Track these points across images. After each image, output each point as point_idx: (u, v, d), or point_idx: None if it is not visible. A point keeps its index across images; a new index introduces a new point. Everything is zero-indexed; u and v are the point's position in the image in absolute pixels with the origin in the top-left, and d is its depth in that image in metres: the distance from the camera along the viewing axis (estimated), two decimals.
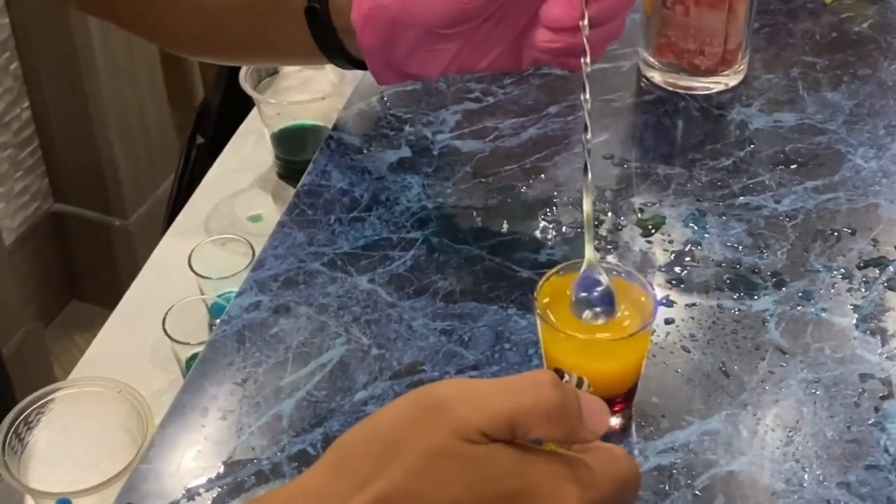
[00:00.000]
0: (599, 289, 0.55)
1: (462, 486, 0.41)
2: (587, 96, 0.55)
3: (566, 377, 0.46)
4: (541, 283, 0.56)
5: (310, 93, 1.02)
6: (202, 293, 0.91)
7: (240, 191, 1.06)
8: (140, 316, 0.93)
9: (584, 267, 0.55)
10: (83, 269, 1.73)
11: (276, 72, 1.08)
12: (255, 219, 1.02)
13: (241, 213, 1.03)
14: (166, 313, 0.90)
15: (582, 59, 0.56)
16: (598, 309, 0.55)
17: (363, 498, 0.40)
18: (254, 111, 1.09)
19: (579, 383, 0.46)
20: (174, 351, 0.88)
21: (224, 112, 1.32)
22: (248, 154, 1.09)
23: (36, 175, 1.65)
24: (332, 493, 0.41)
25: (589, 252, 0.55)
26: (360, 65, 0.65)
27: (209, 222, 1.04)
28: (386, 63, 0.62)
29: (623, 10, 0.60)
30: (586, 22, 0.57)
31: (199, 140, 1.41)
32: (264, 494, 0.44)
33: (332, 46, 0.65)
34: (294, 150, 1.02)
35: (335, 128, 0.78)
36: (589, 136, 0.55)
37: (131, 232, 1.68)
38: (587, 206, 0.55)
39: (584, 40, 0.56)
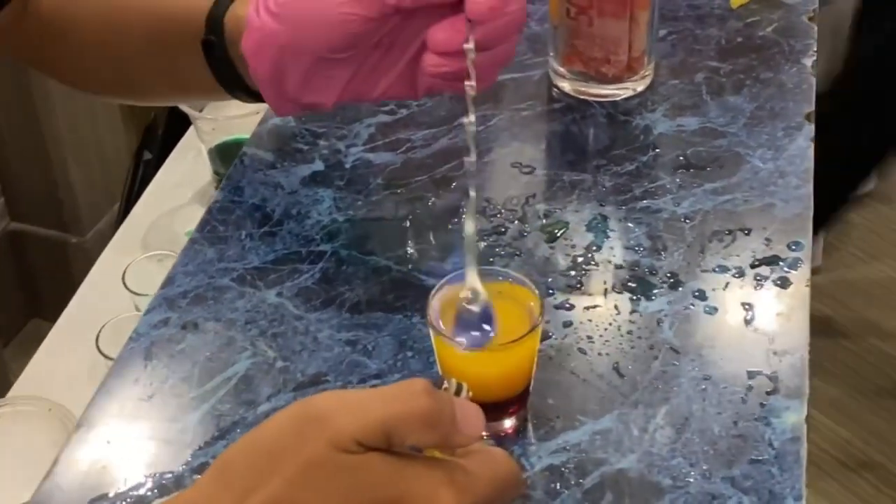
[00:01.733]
0: (478, 313, 0.56)
1: (340, 495, 0.42)
2: (472, 118, 0.55)
3: (446, 384, 0.47)
4: (433, 291, 0.58)
5: (248, 108, 1.03)
6: (138, 310, 0.92)
7: (178, 206, 1.07)
8: (78, 333, 0.94)
9: (462, 295, 0.56)
10: (42, 286, 1.74)
11: None
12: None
13: (179, 228, 1.04)
14: (100, 330, 0.91)
15: (465, 83, 0.56)
16: (476, 332, 0.56)
17: None
18: (192, 127, 1.10)
19: (458, 389, 0.48)
20: (108, 368, 0.89)
21: (170, 128, 1.33)
22: (187, 170, 1.10)
23: None
24: None
25: (471, 277, 0.56)
26: (260, 97, 0.66)
27: (147, 238, 1.05)
28: (280, 93, 0.63)
29: (513, 34, 0.60)
30: (472, 45, 0.57)
31: (147, 156, 1.43)
32: None
33: (231, 79, 0.67)
34: (230, 164, 1.03)
35: (249, 143, 0.80)
36: (473, 158, 0.55)
37: (88, 249, 1.69)
38: (469, 228, 0.55)
39: (470, 64, 0.57)
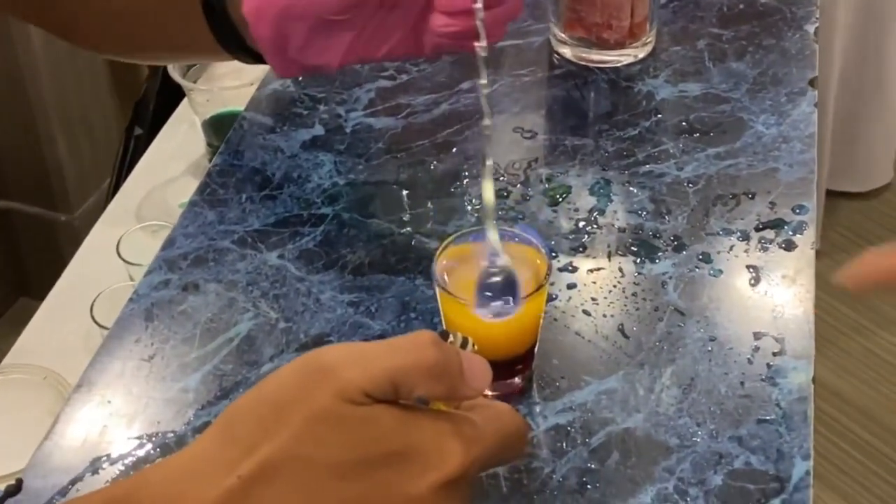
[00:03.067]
0: (501, 279, 0.55)
1: (347, 447, 0.41)
2: (484, 81, 0.55)
3: (451, 338, 0.47)
4: (440, 249, 0.58)
5: (242, 79, 1.02)
6: (132, 280, 0.92)
7: (172, 178, 1.06)
8: (71, 304, 0.93)
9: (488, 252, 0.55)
10: (30, 265, 1.73)
11: None
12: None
13: (172, 200, 1.03)
14: (94, 300, 0.90)
15: (476, 44, 0.55)
16: (500, 303, 0.55)
17: (250, 463, 0.41)
18: (186, 99, 1.09)
19: (464, 343, 0.47)
20: (102, 337, 0.88)
21: (161, 102, 1.32)
22: (180, 142, 1.09)
23: None
24: (220, 459, 0.42)
25: (493, 236, 0.55)
26: (262, 59, 0.65)
27: (141, 210, 1.04)
28: (283, 55, 0.62)
29: None
30: (480, 4, 0.55)
31: (138, 131, 1.41)
32: (153, 465, 0.44)
33: (232, 41, 0.65)
34: (225, 136, 1.03)
35: (248, 108, 0.79)
36: (488, 122, 0.54)
37: (77, 227, 1.67)
38: (488, 194, 0.54)
39: (479, 24, 0.55)
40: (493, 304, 0.55)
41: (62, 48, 1.57)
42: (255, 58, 0.67)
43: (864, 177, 1.85)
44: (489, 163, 0.54)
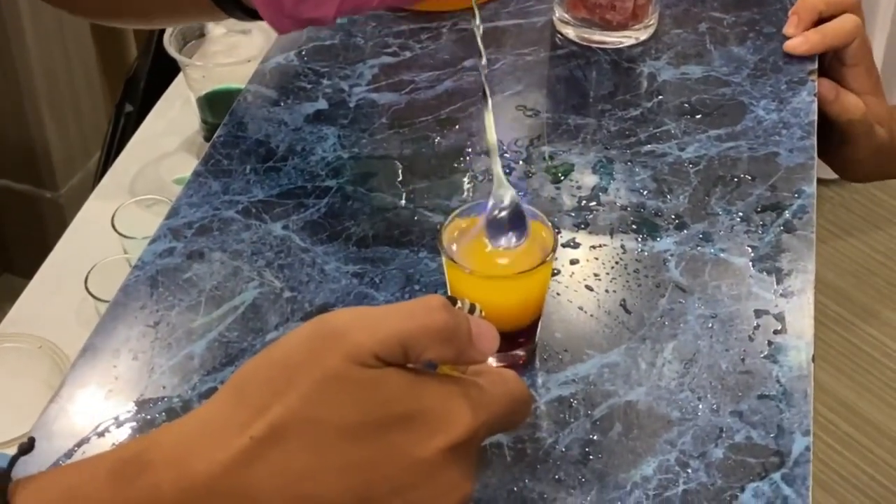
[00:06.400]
0: (508, 211, 0.57)
1: (356, 409, 0.42)
2: (478, 22, 0.57)
3: (459, 304, 0.47)
4: (447, 220, 0.58)
5: (236, 57, 1.02)
6: (126, 253, 0.91)
7: (165, 154, 1.06)
8: (64, 276, 0.93)
9: (493, 188, 0.57)
10: (14, 241, 1.72)
11: (201, 35, 1.09)
12: (181, 181, 1.02)
13: (166, 175, 1.03)
14: (89, 272, 0.90)
15: None
16: (509, 234, 0.57)
17: (260, 424, 0.41)
18: (180, 75, 1.09)
19: (471, 309, 0.48)
20: (97, 309, 0.88)
21: (152, 79, 1.31)
22: (174, 117, 1.09)
23: None
24: (230, 420, 0.42)
25: (497, 170, 0.57)
26: (256, 15, 0.65)
27: (134, 185, 1.04)
28: (279, 10, 0.62)
29: None
30: None
31: (128, 108, 1.41)
32: (163, 426, 0.44)
33: None
34: (220, 113, 1.02)
35: (252, 81, 0.79)
36: (484, 61, 0.57)
37: (62, 204, 1.66)
38: (491, 135, 0.57)
39: None
40: (504, 235, 0.57)
41: (50, 24, 1.56)
42: (249, 14, 0.66)
43: None
44: (489, 102, 0.57)
